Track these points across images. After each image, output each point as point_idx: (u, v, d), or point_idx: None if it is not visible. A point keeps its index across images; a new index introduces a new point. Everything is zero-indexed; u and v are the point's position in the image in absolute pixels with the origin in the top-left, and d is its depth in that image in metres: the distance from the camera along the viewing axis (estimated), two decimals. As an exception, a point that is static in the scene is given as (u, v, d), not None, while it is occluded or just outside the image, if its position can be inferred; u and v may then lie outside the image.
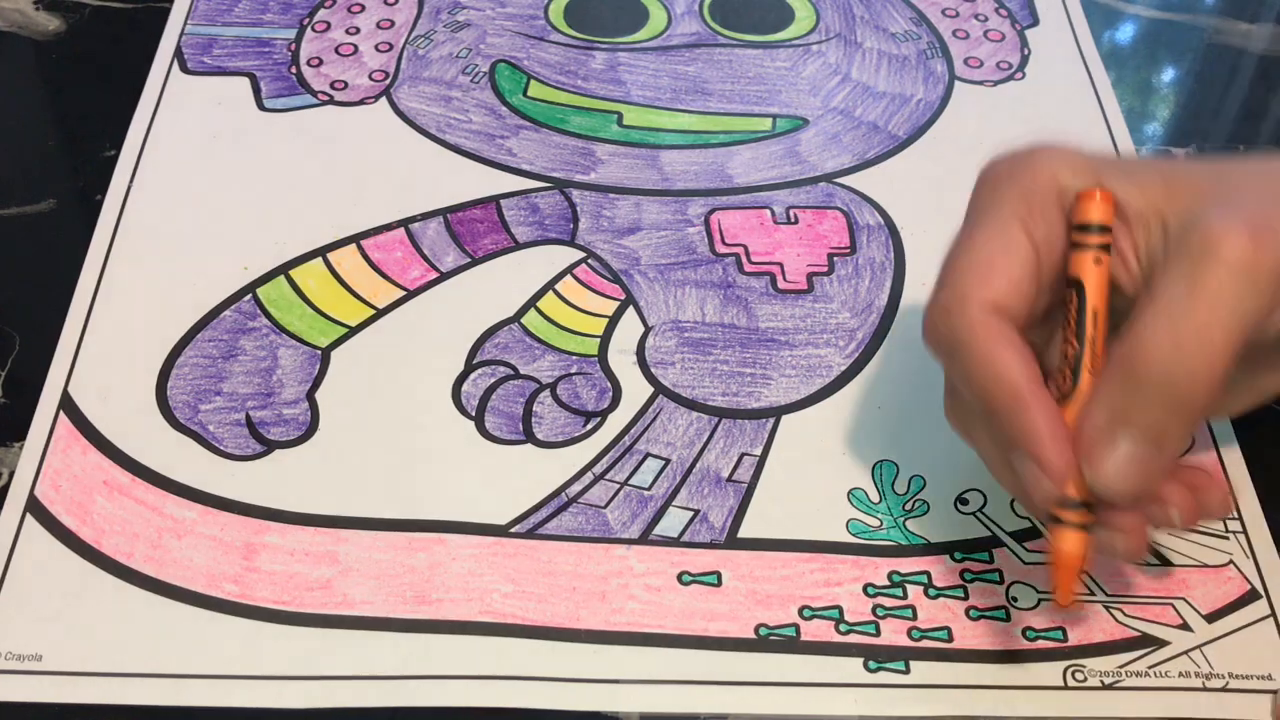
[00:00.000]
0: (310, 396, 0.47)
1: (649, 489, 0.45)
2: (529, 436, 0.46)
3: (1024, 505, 0.41)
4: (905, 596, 0.43)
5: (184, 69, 0.59)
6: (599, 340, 0.49)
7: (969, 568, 0.43)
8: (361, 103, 0.58)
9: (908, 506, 0.45)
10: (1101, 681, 0.41)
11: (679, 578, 0.43)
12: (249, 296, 0.50)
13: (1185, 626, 0.42)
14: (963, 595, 0.43)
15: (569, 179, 0.55)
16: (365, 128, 0.57)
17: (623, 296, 0.51)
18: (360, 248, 0.52)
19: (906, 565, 0.43)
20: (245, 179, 0.55)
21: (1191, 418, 0.35)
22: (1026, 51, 0.62)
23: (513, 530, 0.44)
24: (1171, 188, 0.37)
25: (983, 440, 0.39)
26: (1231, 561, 0.44)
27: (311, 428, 0.46)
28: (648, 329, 0.50)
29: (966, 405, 0.39)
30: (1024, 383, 0.36)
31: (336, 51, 0.61)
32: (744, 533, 0.44)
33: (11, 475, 0.45)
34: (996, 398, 0.36)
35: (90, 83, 0.59)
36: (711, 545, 0.44)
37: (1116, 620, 0.42)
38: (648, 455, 0.46)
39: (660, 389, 0.48)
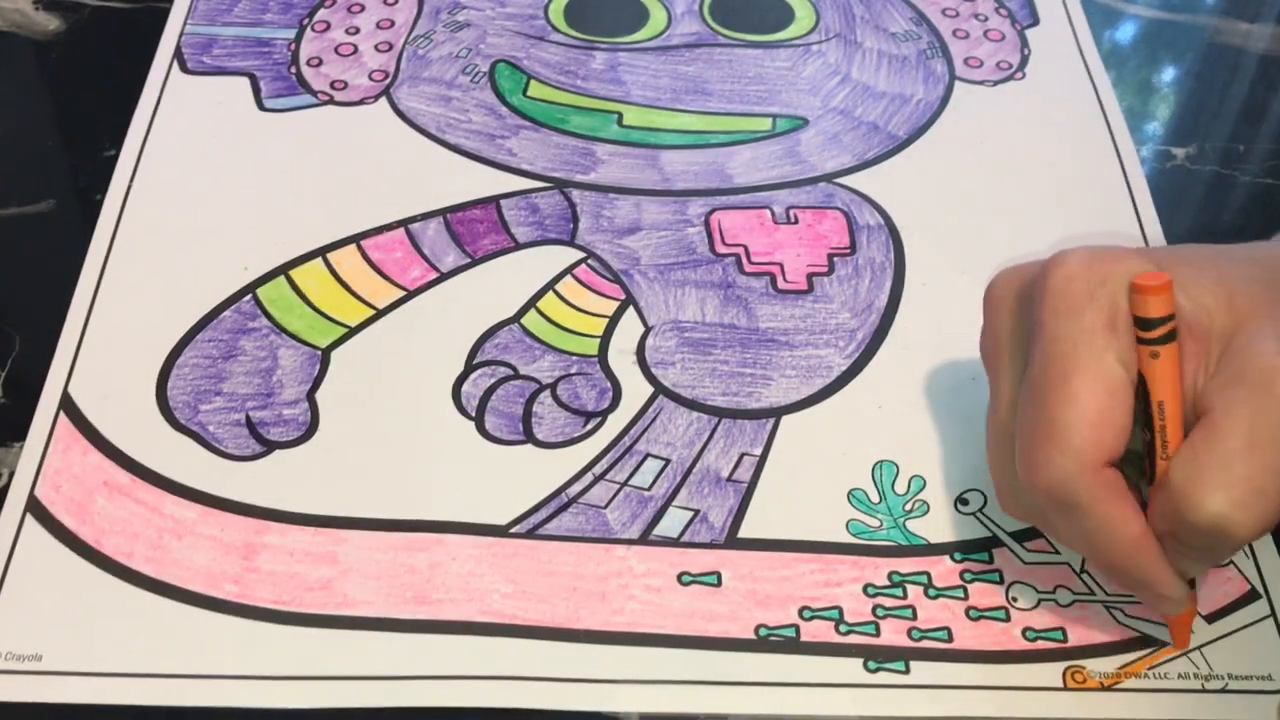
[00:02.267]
0: (310, 397, 0.47)
1: (649, 489, 0.45)
2: (529, 437, 0.46)
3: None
4: (905, 597, 0.43)
5: (184, 69, 0.59)
6: (599, 340, 0.49)
7: (969, 568, 0.43)
8: (361, 103, 0.58)
9: (908, 507, 0.45)
10: (1101, 683, 0.41)
11: (679, 578, 0.43)
12: (249, 297, 0.50)
13: (1185, 627, 0.42)
14: (963, 595, 0.43)
15: (569, 179, 0.55)
16: (365, 128, 0.57)
17: (623, 297, 0.51)
18: (360, 248, 0.52)
19: (906, 565, 0.43)
20: (245, 178, 0.55)
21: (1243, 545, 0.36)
22: (1026, 51, 0.62)
23: (513, 530, 0.44)
24: (1230, 298, 0.37)
25: (1061, 536, 0.39)
26: (1231, 562, 0.44)
27: (311, 428, 0.46)
28: (648, 329, 0.50)
29: (1033, 508, 0.39)
30: (1142, 541, 0.37)
31: (336, 51, 0.61)
32: (744, 533, 0.44)
33: (12, 475, 0.45)
34: (1119, 555, 0.37)
35: (90, 83, 0.59)
36: (711, 545, 0.44)
37: (1116, 621, 0.42)
38: (648, 455, 0.46)
39: (660, 389, 0.48)
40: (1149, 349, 0.36)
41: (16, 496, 0.44)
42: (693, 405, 0.48)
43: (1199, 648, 0.42)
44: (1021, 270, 0.39)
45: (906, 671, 0.41)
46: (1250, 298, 0.37)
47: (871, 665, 0.41)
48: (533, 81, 0.59)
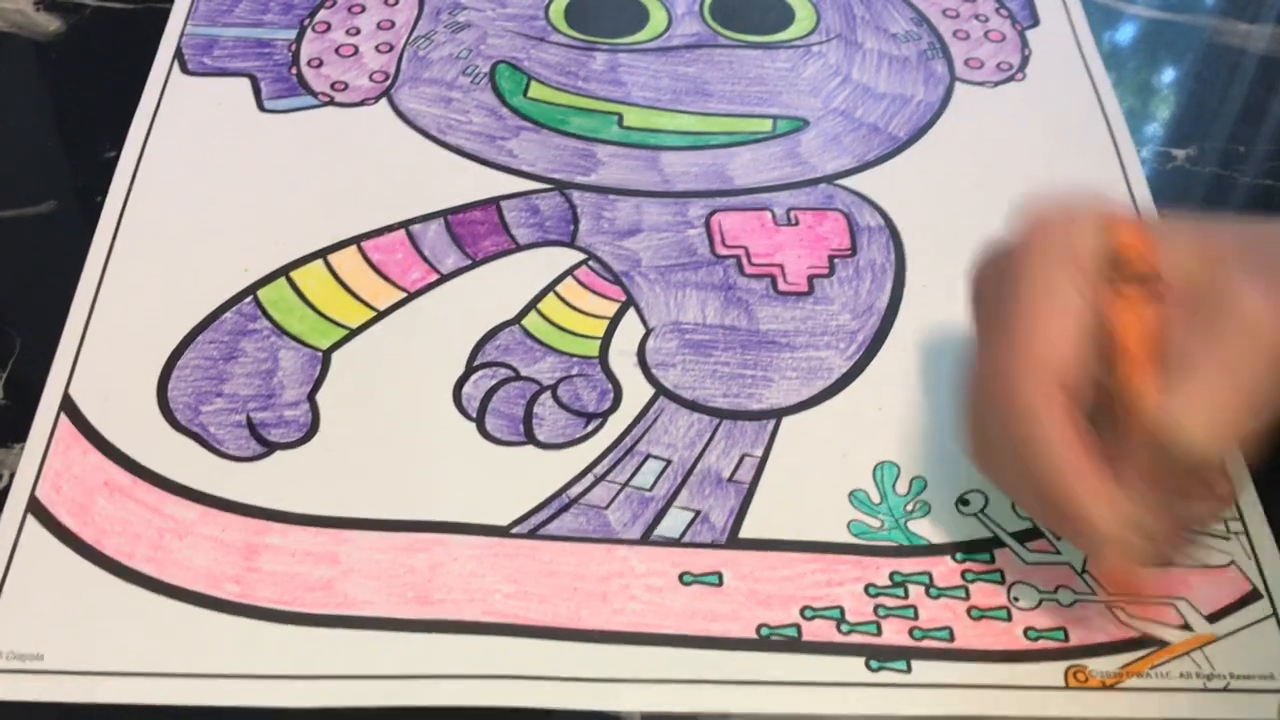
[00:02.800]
0: (311, 398, 0.47)
1: (650, 490, 0.45)
2: (530, 438, 0.46)
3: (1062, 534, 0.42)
4: (907, 596, 0.43)
5: (184, 70, 0.59)
6: (600, 342, 0.49)
7: (970, 568, 0.43)
8: (362, 104, 0.58)
9: (909, 507, 0.45)
10: (1103, 682, 0.41)
11: (680, 578, 0.43)
12: (249, 298, 0.50)
13: (1186, 627, 0.42)
14: (964, 595, 0.43)
15: (569, 180, 0.55)
16: (365, 129, 0.57)
17: (623, 298, 0.51)
18: (361, 249, 0.52)
19: (908, 565, 0.43)
20: (245, 180, 0.55)
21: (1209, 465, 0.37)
22: (1027, 52, 0.62)
23: (514, 531, 0.44)
24: (1204, 250, 0.37)
25: (1012, 482, 0.40)
26: (1233, 562, 0.44)
27: (312, 429, 0.46)
28: (648, 331, 0.50)
29: (1000, 451, 0.39)
30: (1081, 469, 0.37)
31: (337, 52, 0.61)
32: (745, 533, 0.44)
33: (12, 476, 0.45)
34: (1053, 474, 0.37)
35: (90, 83, 0.59)
36: (713, 546, 0.44)
37: (1118, 620, 0.42)
38: (649, 456, 0.46)
39: (661, 390, 0.48)
40: (1123, 290, 0.37)
41: (17, 497, 0.44)
42: (694, 406, 0.48)
43: (1200, 647, 0.42)
44: (997, 245, 0.41)
45: (908, 671, 0.41)
46: (1226, 246, 0.38)
47: (873, 664, 0.41)
48: (533, 82, 0.59)
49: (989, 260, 0.41)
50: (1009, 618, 0.42)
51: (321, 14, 0.62)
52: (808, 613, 0.42)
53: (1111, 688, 0.41)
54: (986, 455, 0.40)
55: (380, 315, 0.50)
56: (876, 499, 0.45)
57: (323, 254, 0.52)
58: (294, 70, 0.59)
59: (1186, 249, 0.38)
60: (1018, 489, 0.40)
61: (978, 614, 0.42)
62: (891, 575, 0.43)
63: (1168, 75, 0.63)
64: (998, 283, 0.40)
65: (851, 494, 0.45)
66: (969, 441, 0.41)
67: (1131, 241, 0.37)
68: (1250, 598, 0.43)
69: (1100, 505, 0.37)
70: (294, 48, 0.61)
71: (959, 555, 0.44)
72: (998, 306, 0.39)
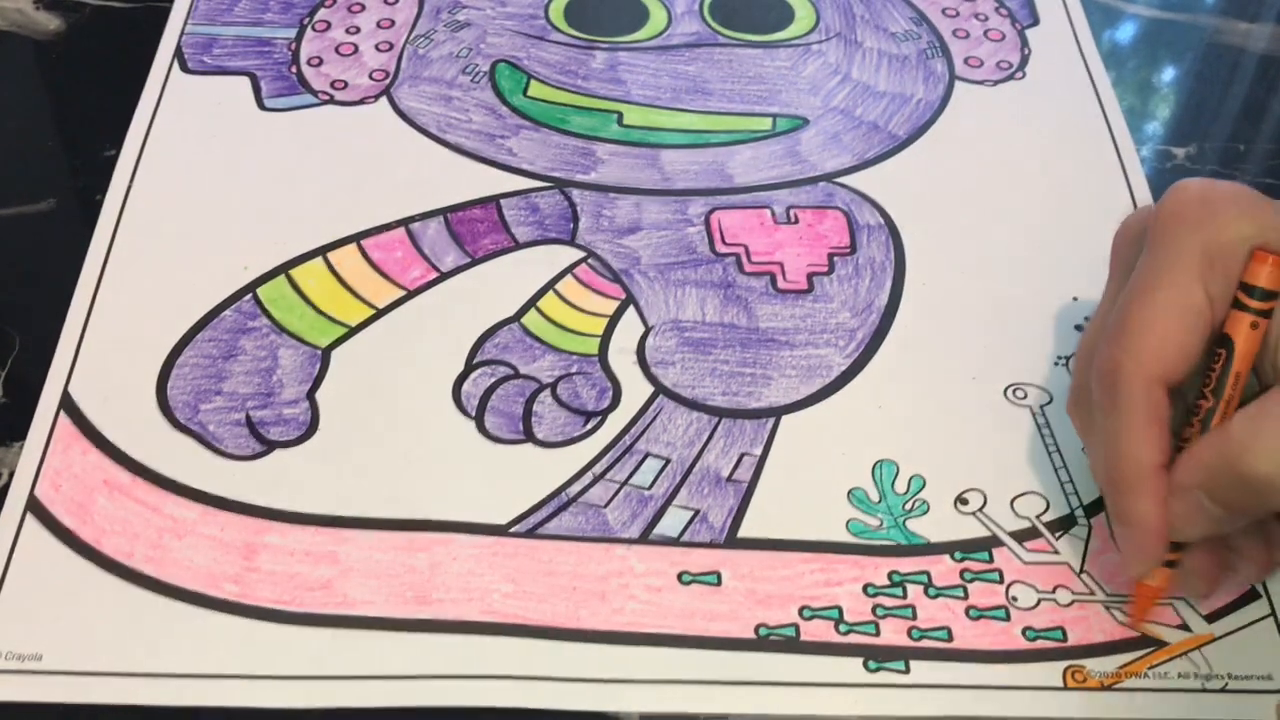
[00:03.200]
0: (310, 396, 0.47)
1: (649, 489, 0.45)
2: (529, 436, 0.46)
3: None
4: (905, 596, 0.43)
5: (184, 69, 0.59)
6: (599, 340, 0.49)
7: (969, 567, 0.43)
8: (362, 102, 0.58)
9: (907, 506, 0.45)
10: (1101, 682, 0.41)
11: (679, 577, 0.43)
12: (249, 296, 0.50)
13: (1185, 627, 0.42)
14: (963, 595, 0.43)
15: (569, 179, 0.55)
16: (365, 127, 0.57)
17: (623, 296, 0.51)
18: (360, 247, 0.52)
19: (906, 565, 0.43)
20: (245, 179, 0.55)
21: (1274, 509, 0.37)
22: (1027, 51, 0.62)
23: (513, 530, 0.44)
24: None
25: (1094, 443, 0.41)
26: (1231, 561, 0.44)
27: (312, 428, 0.46)
28: (648, 329, 0.50)
29: (1091, 410, 0.40)
30: (1150, 474, 0.37)
31: (337, 51, 0.61)
32: (744, 533, 0.44)
33: (12, 475, 0.45)
34: (1128, 471, 0.38)
35: (90, 83, 0.59)
36: (711, 545, 0.44)
37: (1116, 620, 0.42)
38: (648, 455, 0.46)
39: (660, 389, 0.48)
40: (1250, 318, 0.37)
41: (16, 496, 0.44)
42: (693, 405, 0.48)
43: (1199, 647, 0.42)
44: (1150, 206, 0.41)
45: (906, 671, 0.41)
46: None
47: (871, 665, 0.41)
48: (533, 81, 0.59)
49: (1136, 224, 0.41)
50: (1007, 617, 0.42)
51: (321, 13, 0.62)
52: (806, 613, 0.42)
53: (1109, 688, 0.41)
54: (1078, 408, 0.42)
55: (380, 313, 0.50)
56: (875, 498, 0.45)
57: (322, 252, 0.52)
58: (294, 69, 0.59)
59: None
60: (1093, 454, 0.41)
61: (976, 614, 0.42)
62: (890, 575, 0.43)
63: (1168, 74, 0.62)
64: (1137, 248, 0.39)
65: (850, 493, 0.45)
66: (1071, 392, 0.42)
67: (1261, 267, 0.37)
68: (1248, 597, 0.43)
69: (1161, 528, 0.38)
70: (294, 46, 0.61)
71: (957, 555, 0.44)
72: (1127, 273, 0.39)
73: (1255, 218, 0.37)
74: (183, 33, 0.61)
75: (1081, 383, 0.41)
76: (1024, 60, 0.62)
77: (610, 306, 0.51)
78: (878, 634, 0.42)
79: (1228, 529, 0.38)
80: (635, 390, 0.48)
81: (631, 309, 0.50)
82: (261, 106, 0.58)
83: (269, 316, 0.50)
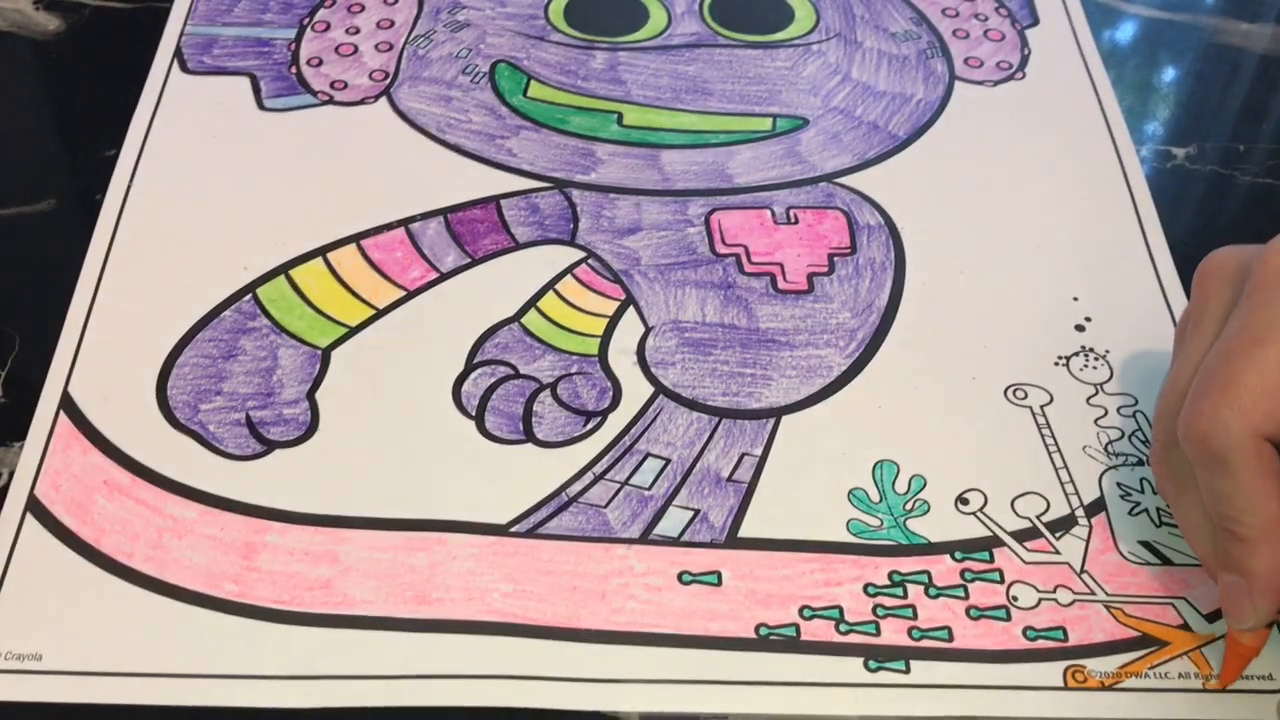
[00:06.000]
0: (310, 396, 0.47)
1: (649, 489, 0.45)
2: (529, 436, 0.46)
3: (1209, 573, 0.41)
4: (905, 596, 0.43)
5: (184, 69, 0.59)
6: (599, 340, 0.49)
7: (969, 567, 0.43)
8: (361, 102, 0.58)
9: (908, 506, 0.45)
10: (1102, 682, 0.41)
11: (679, 577, 0.43)
12: (249, 296, 0.50)
13: (1185, 627, 0.42)
14: (963, 595, 0.43)
15: (569, 179, 0.55)
16: (365, 128, 0.57)
17: (623, 296, 0.51)
18: (360, 248, 0.52)
19: (907, 565, 0.43)
20: (245, 179, 0.55)
21: None
22: (1027, 51, 0.62)
23: (513, 530, 0.44)
24: None
25: (1185, 505, 0.40)
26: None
27: (311, 427, 0.46)
28: (648, 329, 0.50)
29: (1181, 469, 0.39)
30: (1272, 524, 0.36)
31: (336, 51, 0.61)
32: (744, 532, 0.44)
33: (11, 475, 0.45)
34: (1244, 528, 0.37)
35: (90, 83, 0.59)
36: (712, 545, 0.44)
37: (1117, 620, 0.42)
38: (648, 455, 0.46)
39: (660, 389, 0.48)
40: None
41: (16, 496, 0.44)
42: (693, 405, 0.48)
43: (1199, 647, 0.42)
44: (1244, 248, 0.40)
45: (907, 671, 0.41)
46: None
47: (872, 664, 0.41)
48: (533, 82, 0.59)
49: (1229, 268, 0.40)
50: (1008, 617, 0.42)
51: (321, 13, 0.62)
52: (806, 612, 0.42)
53: (1110, 688, 0.41)
54: (1167, 466, 0.41)
55: (380, 313, 0.50)
56: (875, 498, 0.45)
57: (322, 252, 0.52)
58: (293, 69, 0.59)
59: None
60: (1185, 509, 0.40)
61: (976, 614, 0.42)
62: (890, 575, 0.43)
63: (1167, 74, 0.62)
64: (1231, 297, 0.39)
65: (850, 493, 0.45)
66: (1156, 452, 0.41)
67: None
68: (1249, 597, 0.43)
69: (1275, 566, 0.37)
70: (293, 47, 0.61)
71: (958, 554, 0.44)
72: (1216, 323, 0.39)
73: None
74: (182, 33, 0.61)
75: (1167, 438, 0.40)
76: (1024, 60, 0.62)
77: (610, 307, 0.51)
78: (878, 634, 0.42)
79: None
80: (635, 390, 0.48)
81: (631, 309, 0.50)
82: (261, 107, 0.58)
83: (269, 316, 0.50)
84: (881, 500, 0.45)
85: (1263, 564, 0.37)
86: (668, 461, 0.46)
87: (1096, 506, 0.45)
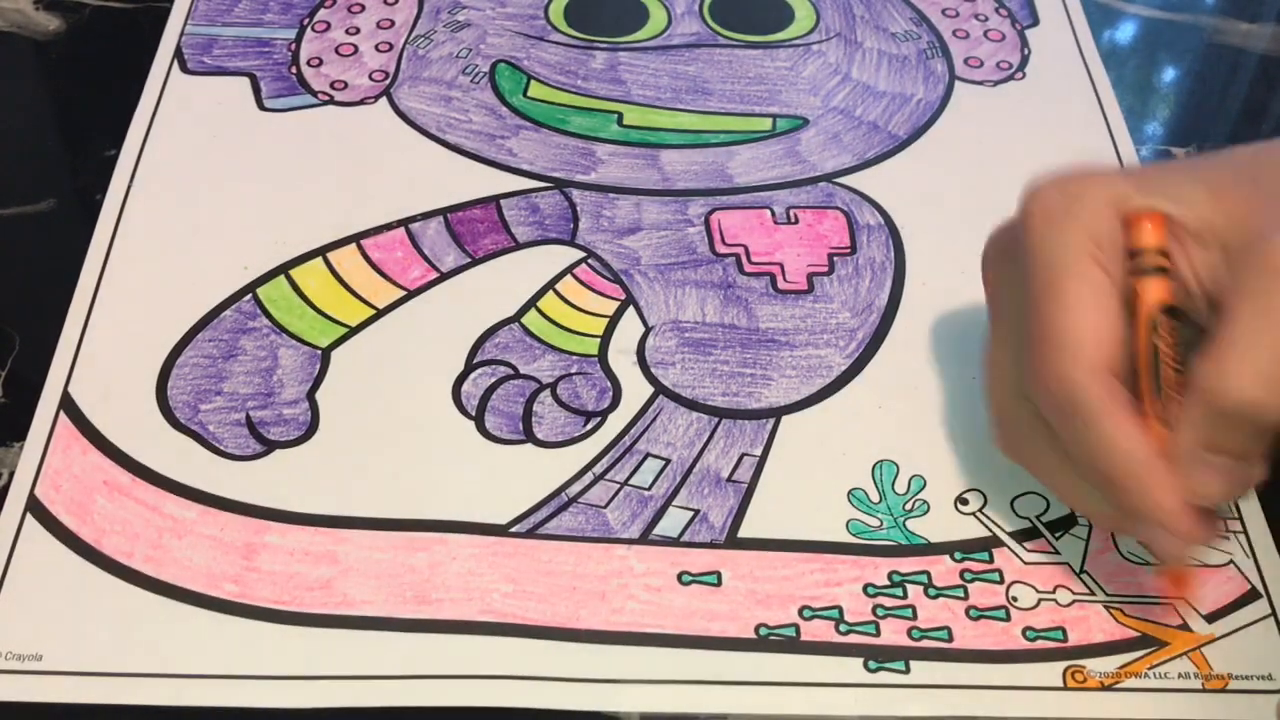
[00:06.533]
0: (310, 396, 0.47)
1: (649, 489, 0.45)
2: (529, 436, 0.46)
3: (1105, 526, 0.42)
4: (905, 596, 0.43)
5: (184, 69, 0.59)
6: (599, 340, 0.49)
7: (969, 568, 0.43)
8: (361, 103, 0.58)
9: (908, 506, 0.45)
10: (1101, 682, 0.41)
11: (679, 578, 0.43)
12: (249, 296, 0.50)
13: (1185, 627, 0.42)
14: (963, 595, 0.43)
15: (569, 179, 0.55)
16: (365, 128, 0.57)
17: (623, 296, 0.51)
18: (360, 247, 0.52)
19: (906, 565, 0.43)
20: (245, 179, 0.55)
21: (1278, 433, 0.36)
22: (1026, 51, 0.62)
23: (513, 530, 0.44)
24: (1220, 201, 0.37)
25: (1055, 468, 0.40)
26: (1231, 561, 0.44)
27: (312, 428, 0.46)
28: (648, 329, 0.50)
29: (1036, 439, 0.40)
30: (1149, 460, 0.36)
31: (336, 51, 0.61)
32: (744, 533, 0.44)
33: (11, 475, 0.45)
34: (1123, 465, 0.37)
35: (90, 83, 0.59)
36: (711, 545, 0.44)
37: (1116, 620, 0.42)
38: (648, 455, 0.46)
39: (660, 389, 0.48)
40: (1153, 279, 0.37)
41: (16, 496, 0.44)
42: (693, 405, 0.48)
43: (1199, 647, 0.42)
44: (1005, 224, 0.41)
45: (906, 671, 0.41)
46: (1242, 197, 0.37)
47: (872, 665, 0.41)
48: (533, 82, 0.59)
49: (1000, 241, 0.41)
50: (1007, 617, 0.42)
51: (321, 13, 0.62)
52: (806, 613, 0.42)
53: (1110, 688, 0.41)
54: (1021, 446, 0.41)
55: (380, 313, 0.50)
56: (875, 498, 0.45)
57: (322, 252, 0.52)
58: (294, 69, 0.59)
59: (1201, 200, 0.37)
60: (1063, 481, 0.40)
61: (976, 614, 0.42)
62: (890, 575, 0.43)
63: (1167, 75, 0.62)
64: (1013, 264, 0.39)
65: (850, 493, 0.45)
66: (1000, 432, 0.41)
67: (1143, 226, 0.37)
68: (1249, 597, 0.43)
69: (1178, 509, 0.37)
70: (293, 47, 0.61)
71: (957, 555, 0.44)
72: (1014, 290, 0.39)
73: (1110, 187, 0.38)
74: (182, 33, 0.61)
75: (1008, 417, 0.40)
76: (1024, 60, 0.62)
77: (610, 307, 0.51)
78: (878, 634, 0.42)
79: (1248, 474, 0.37)
80: (635, 390, 0.48)
81: (631, 309, 0.51)
82: (261, 107, 0.58)
83: (269, 316, 0.50)
84: (881, 500, 0.45)
85: (1157, 498, 0.37)
86: (668, 462, 0.46)
87: (1096, 507, 0.45)
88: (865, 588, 0.43)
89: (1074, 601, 0.43)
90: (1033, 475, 0.42)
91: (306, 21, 0.62)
